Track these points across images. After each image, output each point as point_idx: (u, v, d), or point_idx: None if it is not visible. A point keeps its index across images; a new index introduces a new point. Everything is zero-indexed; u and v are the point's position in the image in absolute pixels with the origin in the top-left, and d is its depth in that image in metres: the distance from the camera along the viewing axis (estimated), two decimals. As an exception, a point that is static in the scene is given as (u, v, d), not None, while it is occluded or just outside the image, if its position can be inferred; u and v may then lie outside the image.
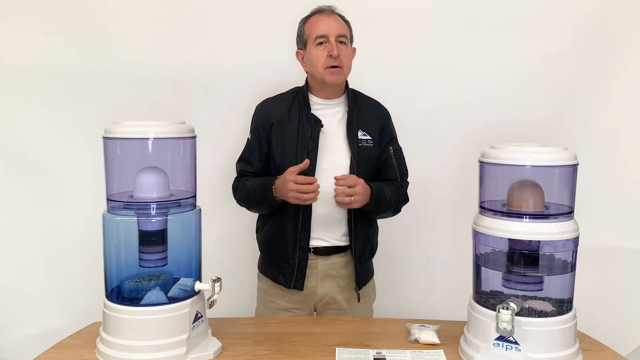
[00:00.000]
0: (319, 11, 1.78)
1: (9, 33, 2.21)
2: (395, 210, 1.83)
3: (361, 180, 1.65)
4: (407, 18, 2.26)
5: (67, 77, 2.24)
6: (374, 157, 1.80)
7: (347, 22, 1.80)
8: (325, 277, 1.81)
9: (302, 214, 1.74)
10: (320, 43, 1.72)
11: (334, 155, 1.75)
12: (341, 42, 1.73)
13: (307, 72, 1.82)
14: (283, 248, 1.78)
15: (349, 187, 1.62)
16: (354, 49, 1.83)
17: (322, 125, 1.75)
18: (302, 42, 1.80)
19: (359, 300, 1.83)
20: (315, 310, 1.86)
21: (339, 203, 1.64)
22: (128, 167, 1.41)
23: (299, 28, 1.81)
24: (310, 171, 1.71)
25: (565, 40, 2.24)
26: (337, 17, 1.76)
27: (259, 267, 1.93)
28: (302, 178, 1.61)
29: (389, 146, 1.84)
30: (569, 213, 1.37)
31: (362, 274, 1.83)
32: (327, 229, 1.78)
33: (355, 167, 1.73)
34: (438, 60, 2.28)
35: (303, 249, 1.77)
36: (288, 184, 1.60)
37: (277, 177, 1.69)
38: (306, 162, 1.63)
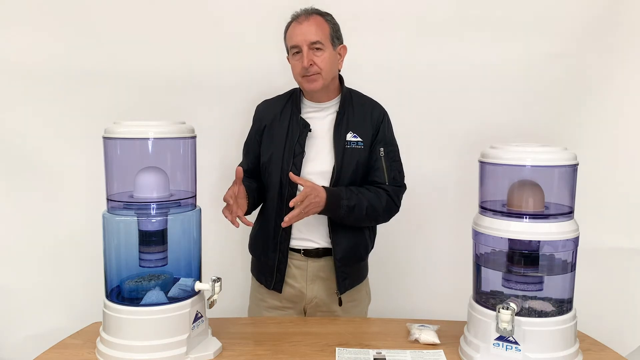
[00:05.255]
0: (294, 18, 1.73)
1: (9, 33, 2.21)
2: (371, 218, 1.73)
3: (311, 191, 1.59)
4: (407, 18, 2.26)
5: (67, 78, 2.24)
6: (362, 160, 1.75)
7: (328, 21, 1.72)
8: (315, 279, 1.79)
9: (283, 216, 1.67)
10: (297, 52, 1.71)
11: (319, 159, 1.74)
12: (317, 49, 1.68)
13: None
14: (264, 249, 1.79)
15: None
16: (343, 47, 1.77)
17: (309, 130, 1.74)
18: (286, 50, 1.79)
19: (340, 304, 1.79)
20: (305, 312, 1.84)
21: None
22: (128, 167, 1.41)
23: (283, 36, 1.79)
24: (296, 175, 1.68)
25: (566, 40, 2.24)
26: (311, 22, 1.69)
27: (250, 267, 1.94)
28: (229, 193, 1.59)
29: (380, 147, 1.77)
30: (569, 213, 1.37)
31: (346, 278, 1.78)
32: (315, 231, 1.76)
33: (336, 171, 1.71)
34: (438, 60, 2.27)
35: (283, 251, 1.76)
36: (225, 198, 1.60)
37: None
38: (239, 170, 1.59)
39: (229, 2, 2.26)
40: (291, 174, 1.62)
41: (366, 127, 1.77)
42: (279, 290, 1.78)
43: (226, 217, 1.61)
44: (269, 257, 1.78)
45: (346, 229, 1.76)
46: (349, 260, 1.77)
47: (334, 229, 1.74)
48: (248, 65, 2.27)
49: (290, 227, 1.74)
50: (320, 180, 1.71)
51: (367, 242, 1.84)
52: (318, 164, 1.74)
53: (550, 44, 2.24)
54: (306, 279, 1.79)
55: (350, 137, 1.74)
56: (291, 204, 1.57)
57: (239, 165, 1.86)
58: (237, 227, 1.63)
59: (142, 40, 2.24)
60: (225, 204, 1.61)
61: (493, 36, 2.25)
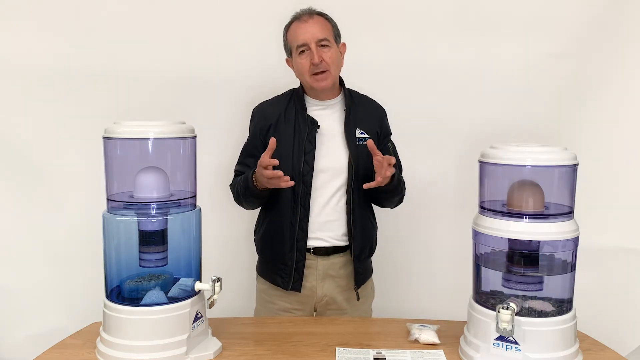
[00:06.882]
0: (296, 18, 1.75)
1: (9, 33, 2.21)
2: (400, 200, 1.83)
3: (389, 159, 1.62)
4: (406, 18, 2.26)
5: (67, 78, 2.24)
6: (371, 156, 1.76)
7: (329, 20, 1.76)
8: (325, 277, 1.80)
9: (299, 215, 1.74)
10: (302, 51, 1.71)
11: (332, 155, 1.75)
12: (323, 46, 1.70)
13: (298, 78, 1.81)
14: (280, 249, 1.77)
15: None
16: (343, 44, 1.80)
17: (318, 127, 1.75)
18: (287, 51, 1.79)
19: (358, 299, 1.83)
20: (315, 311, 1.86)
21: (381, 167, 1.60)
22: (128, 167, 1.41)
23: (283, 37, 1.79)
24: (308, 173, 1.72)
25: (566, 40, 2.24)
26: (315, 20, 1.72)
27: (257, 269, 1.92)
28: (266, 161, 1.57)
29: (387, 142, 1.84)
30: (568, 213, 1.37)
31: (361, 273, 1.83)
32: (326, 229, 1.77)
33: (354, 166, 1.73)
34: (438, 60, 2.27)
35: (300, 250, 1.76)
36: (262, 171, 1.58)
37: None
38: (272, 140, 1.57)
39: (229, 2, 2.26)
40: (370, 142, 1.60)
41: (371, 124, 1.81)
42: (298, 290, 1.78)
43: (277, 176, 1.56)
44: (287, 257, 1.77)
45: (362, 225, 1.79)
46: (363, 256, 1.82)
47: (353, 225, 1.76)
48: (248, 66, 2.27)
49: (306, 226, 1.75)
50: (336, 176, 1.74)
51: (376, 238, 1.90)
52: (333, 161, 1.75)
53: (550, 44, 2.24)
54: (316, 277, 1.80)
55: (358, 133, 1.78)
56: (388, 162, 1.57)
57: (237, 169, 1.86)
58: (293, 183, 1.61)
59: (142, 40, 2.24)
60: (259, 173, 1.60)
61: (493, 36, 2.25)
